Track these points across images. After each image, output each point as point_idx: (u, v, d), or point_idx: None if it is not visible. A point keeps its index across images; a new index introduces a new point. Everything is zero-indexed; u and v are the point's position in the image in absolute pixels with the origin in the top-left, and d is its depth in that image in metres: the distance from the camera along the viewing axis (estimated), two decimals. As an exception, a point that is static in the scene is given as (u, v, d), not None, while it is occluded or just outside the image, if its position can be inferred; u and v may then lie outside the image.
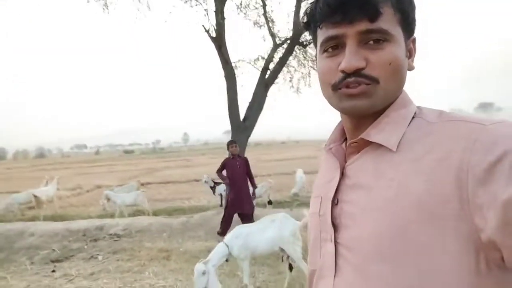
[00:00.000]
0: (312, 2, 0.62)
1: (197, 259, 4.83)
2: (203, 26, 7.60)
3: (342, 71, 0.58)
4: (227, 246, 3.41)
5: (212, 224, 6.37)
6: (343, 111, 0.64)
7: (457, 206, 0.49)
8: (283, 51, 8.17)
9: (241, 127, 7.81)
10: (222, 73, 7.93)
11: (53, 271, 4.92)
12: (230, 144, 5.73)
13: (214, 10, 7.52)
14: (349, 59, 0.57)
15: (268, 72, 8.23)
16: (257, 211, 6.13)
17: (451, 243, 0.49)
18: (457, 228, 0.49)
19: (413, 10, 0.61)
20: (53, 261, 5.34)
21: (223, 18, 7.59)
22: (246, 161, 5.81)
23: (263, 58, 8.43)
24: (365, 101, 0.58)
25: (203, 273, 3.05)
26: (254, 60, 8.64)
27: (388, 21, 0.57)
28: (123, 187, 10.81)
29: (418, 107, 0.63)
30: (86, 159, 64.13)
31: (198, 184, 11.96)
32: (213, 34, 7.59)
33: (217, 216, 6.65)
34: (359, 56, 0.57)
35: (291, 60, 8.97)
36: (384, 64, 0.57)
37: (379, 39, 0.57)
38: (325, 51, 0.61)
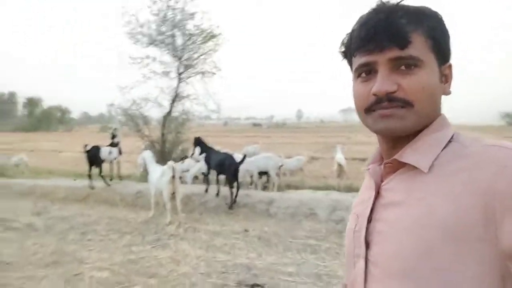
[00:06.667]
0: (348, 33, 0.67)
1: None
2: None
3: (374, 95, 0.60)
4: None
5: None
6: (377, 132, 0.66)
7: (482, 230, 0.50)
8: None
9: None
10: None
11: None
12: None
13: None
14: (380, 83, 0.59)
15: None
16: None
17: (474, 266, 0.51)
18: (481, 251, 0.51)
19: (446, 39, 0.63)
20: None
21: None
22: None
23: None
24: (398, 123, 0.60)
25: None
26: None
27: (418, 48, 0.59)
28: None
29: (456, 133, 0.63)
30: (237, 129, 55.77)
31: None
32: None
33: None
34: (390, 80, 0.59)
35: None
36: (416, 88, 0.59)
37: (409, 64, 0.59)
38: (359, 76, 0.65)
